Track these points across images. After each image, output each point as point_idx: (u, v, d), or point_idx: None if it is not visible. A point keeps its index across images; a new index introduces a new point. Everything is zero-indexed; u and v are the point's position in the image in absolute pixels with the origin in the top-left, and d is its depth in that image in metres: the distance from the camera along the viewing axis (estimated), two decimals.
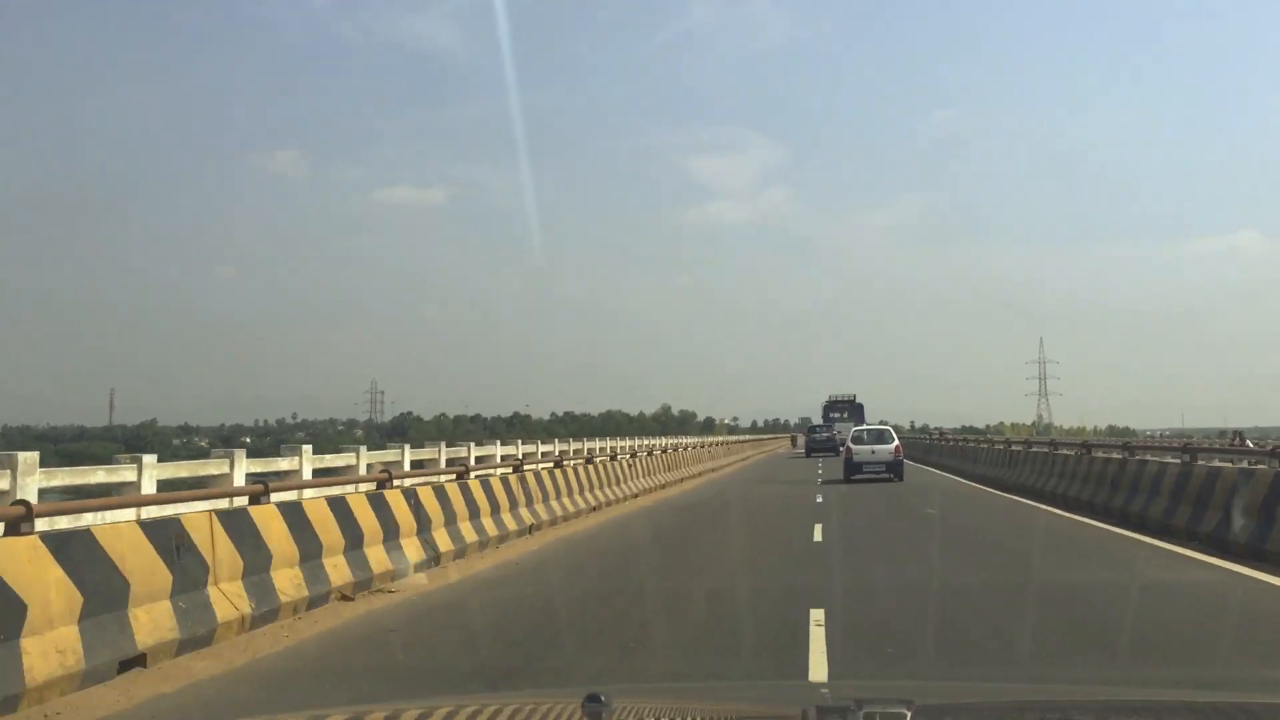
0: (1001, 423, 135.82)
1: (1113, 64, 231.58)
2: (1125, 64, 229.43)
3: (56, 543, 6.24)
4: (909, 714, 2.66)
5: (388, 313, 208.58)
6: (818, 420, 65.33)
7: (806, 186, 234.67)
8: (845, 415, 60.83)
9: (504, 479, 14.82)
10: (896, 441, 27.93)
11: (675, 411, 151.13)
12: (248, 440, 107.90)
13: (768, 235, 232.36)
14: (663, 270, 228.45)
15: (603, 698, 2.27)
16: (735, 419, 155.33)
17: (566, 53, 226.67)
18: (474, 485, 13.54)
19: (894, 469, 27.02)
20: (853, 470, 27.10)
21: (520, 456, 21.69)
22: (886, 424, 30.07)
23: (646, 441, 36.09)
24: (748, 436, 74.63)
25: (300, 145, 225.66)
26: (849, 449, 27.90)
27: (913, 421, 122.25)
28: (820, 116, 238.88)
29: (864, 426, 32.95)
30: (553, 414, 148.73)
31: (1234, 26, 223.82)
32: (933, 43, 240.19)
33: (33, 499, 8.63)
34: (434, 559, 11.46)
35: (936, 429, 64.60)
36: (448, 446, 19.77)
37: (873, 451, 27.26)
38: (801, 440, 68.80)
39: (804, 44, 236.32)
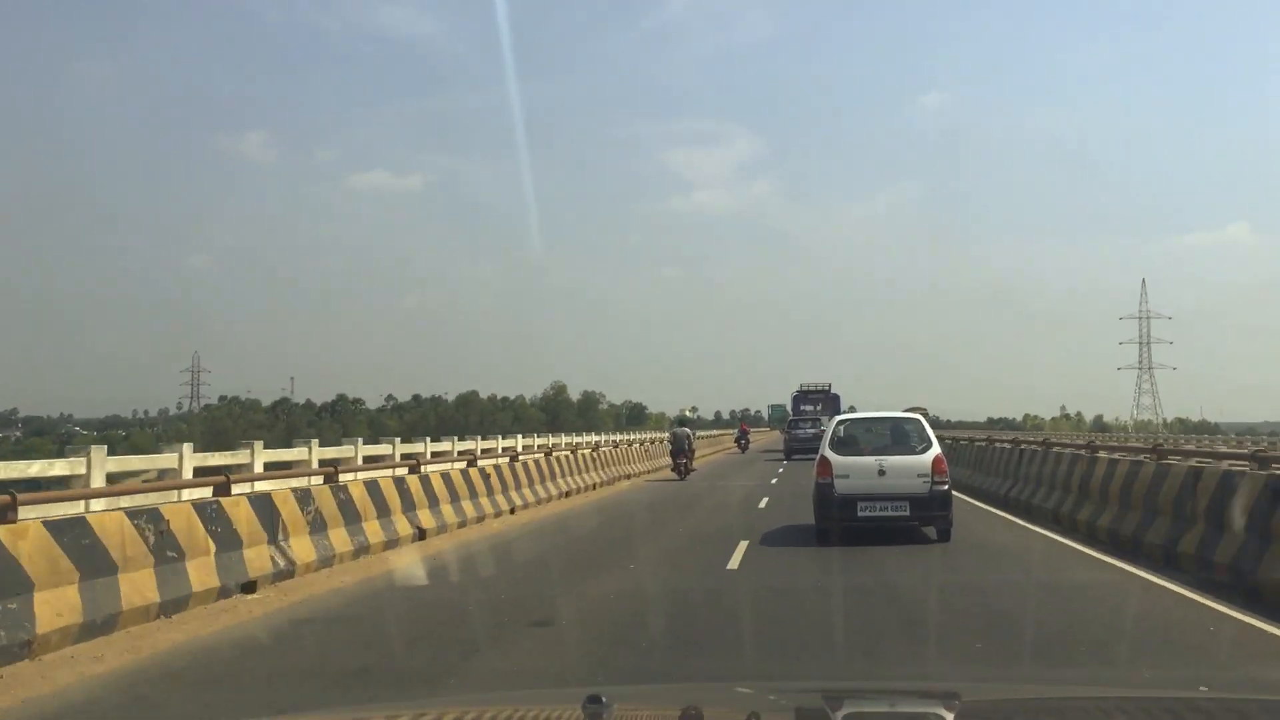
0: (1028, 415, 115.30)
1: (1103, 51, 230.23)
2: (1117, 52, 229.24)
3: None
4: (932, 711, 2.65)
5: (352, 299, 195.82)
6: (787, 410, 54.18)
7: (789, 179, 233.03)
8: (819, 408, 47.49)
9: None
10: (936, 449, 12.93)
11: (575, 395, 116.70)
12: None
13: (750, 228, 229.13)
14: (641, 261, 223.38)
15: (603, 699, 2.32)
16: (695, 409, 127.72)
17: (547, 44, 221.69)
18: None
19: (928, 510, 12.68)
20: (840, 510, 12.78)
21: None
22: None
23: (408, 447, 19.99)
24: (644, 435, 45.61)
25: (272, 129, 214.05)
26: (826, 463, 12.93)
27: None
28: (802, 107, 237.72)
29: (862, 415, 16.50)
30: (389, 397, 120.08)
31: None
32: (916, 34, 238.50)
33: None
34: None
35: None
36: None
37: (881, 470, 12.69)
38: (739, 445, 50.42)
39: (784, 35, 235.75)
